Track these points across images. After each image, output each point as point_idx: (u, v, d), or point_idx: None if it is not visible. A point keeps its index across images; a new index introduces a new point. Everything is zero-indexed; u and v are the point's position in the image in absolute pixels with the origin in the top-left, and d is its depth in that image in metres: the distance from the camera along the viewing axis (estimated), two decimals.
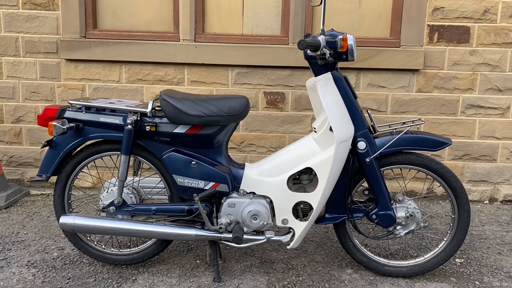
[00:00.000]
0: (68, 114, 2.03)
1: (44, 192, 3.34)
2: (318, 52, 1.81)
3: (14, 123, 3.31)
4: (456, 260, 2.35)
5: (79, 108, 2.04)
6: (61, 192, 2.11)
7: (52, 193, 3.33)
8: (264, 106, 3.28)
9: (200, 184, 2.00)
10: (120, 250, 2.21)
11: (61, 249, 2.41)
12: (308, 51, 1.88)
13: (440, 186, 2.08)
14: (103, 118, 2.01)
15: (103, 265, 2.24)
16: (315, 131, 2.04)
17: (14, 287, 2.04)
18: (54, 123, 1.90)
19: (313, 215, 1.99)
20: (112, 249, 2.22)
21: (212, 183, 2.00)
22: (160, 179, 2.15)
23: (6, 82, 3.26)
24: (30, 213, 2.93)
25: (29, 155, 3.35)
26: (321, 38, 1.82)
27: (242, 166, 2.10)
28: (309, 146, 2.03)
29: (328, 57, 1.80)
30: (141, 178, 2.20)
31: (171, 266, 2.24)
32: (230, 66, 3.22)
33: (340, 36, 1.88)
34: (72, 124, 1.98)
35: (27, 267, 2.22)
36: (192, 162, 1.99)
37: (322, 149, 2.00)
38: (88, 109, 2.03)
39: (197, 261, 2.30)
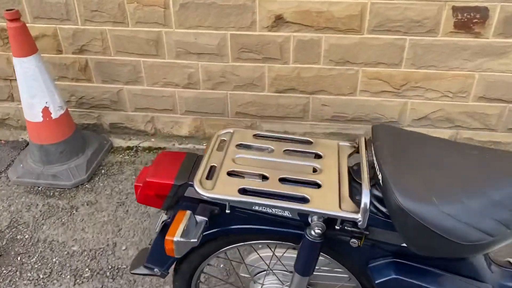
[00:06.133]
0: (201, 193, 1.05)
1: (132, 145, 2.57)
2: None
3: (76, 53, 2.35)
4: None
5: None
6: None
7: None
8: (449, 30, 2.05)
9: None
10: None
11: None
12: None
13: None
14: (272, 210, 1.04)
15: None
16: None
17: None
18: (176, 239, 0.98)
19: None
20: None
21: None
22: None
23: None
24: (119, 191, 2.22)
25: (103, 96, 2.48)
26: None
27: None
28: None
29: None
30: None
31: None
32: None
33: None
34: (205, 218, 1.05)
35: None
36: None
37: None
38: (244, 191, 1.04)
39: None
